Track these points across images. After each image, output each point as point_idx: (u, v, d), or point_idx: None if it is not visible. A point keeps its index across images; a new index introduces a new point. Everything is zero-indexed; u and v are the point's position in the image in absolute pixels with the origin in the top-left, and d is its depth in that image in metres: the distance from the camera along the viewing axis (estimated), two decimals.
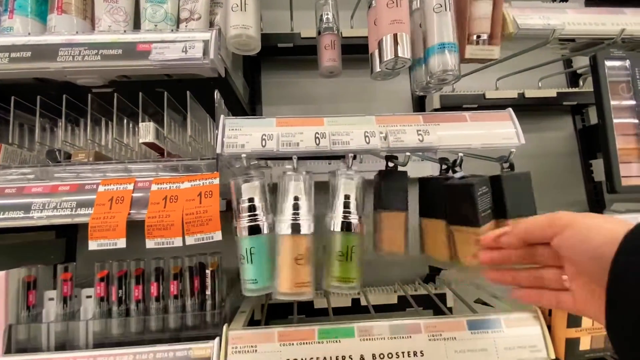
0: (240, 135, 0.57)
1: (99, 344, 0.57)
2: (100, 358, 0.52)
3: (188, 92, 0.67)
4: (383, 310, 0.87)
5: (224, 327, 0.54)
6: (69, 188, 0.56)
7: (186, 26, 0.66)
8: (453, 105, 1.01)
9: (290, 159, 0.57)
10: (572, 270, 0.36)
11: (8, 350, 0.55)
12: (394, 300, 0.89)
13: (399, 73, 0.65)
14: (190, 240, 0.54)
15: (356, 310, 0.86)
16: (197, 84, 0.68)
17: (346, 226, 0.53)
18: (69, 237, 0.95)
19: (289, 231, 0.52)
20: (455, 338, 0.55)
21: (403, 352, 0.54)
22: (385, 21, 0.60)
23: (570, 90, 1.06)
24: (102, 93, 0.72)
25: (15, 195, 0.55)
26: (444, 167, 0.62)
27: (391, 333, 0.55)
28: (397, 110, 1.13)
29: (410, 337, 0.55)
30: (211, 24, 0.69)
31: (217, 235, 0.54)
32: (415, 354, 0.54)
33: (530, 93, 1.03)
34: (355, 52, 0.91)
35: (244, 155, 0.55)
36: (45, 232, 0.94)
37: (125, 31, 0.64)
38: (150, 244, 0.54)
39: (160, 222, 0.54)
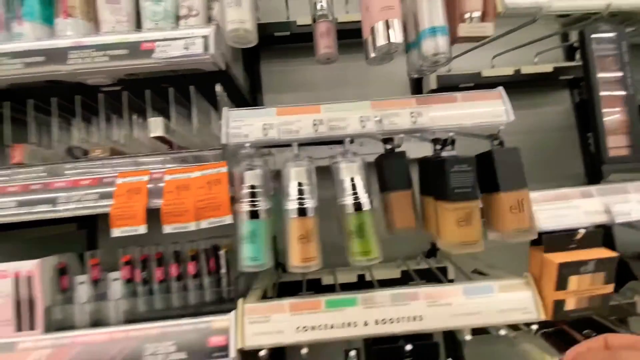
0: (244, 125, 0.61)
1: (128, 321, 0.63)
2: (133, 332, 0.59)
3: (192, 88, 0.70)
4: (387, 284, 0.91)
5: (240, 301, 0.60)
6: (89, 182, 0.61)
7: (186, 23, 0.69)
8: (450, 85, 1.03)
9: (290, 145, 0.61)
10: None
11: (47, 330, 0.61)
12: (397, 275, 0.94)
13: (392, 58, 0.68)
14: (203, 225, 0.59)
15: (361, 285, 0.92)
16: (200, 77, 0.71)
17: (357, 206, 0.57)
18: (90, 228, 1.01)
19: (296, 214, 0.57)
20: (451, 304, 0.60)
21: (403, 317, 0.59)
22: (376, 7, 0.63)
23: (567, 64, 1.06)
24: (110, 91, 0.76)
25: (41, 190, 0.60)
26: (438, 146, 0.65)
27: (392, 301, 0.60)
28: (395, 93, 1.15)
29: (410, 304, 0.60)
30: (209, 19, 0.72)
31: (228, 219, 0.59)
32: (414, 318, 0.59)
33: (526, 69, 1.04)
34: (351, 37, 0.93)
35: (247, 144, 0.59)
36: (67, 225, 1.01)
37: (128, 31, 0.67)
38: (167, 229, 0.59)
39: (175, 209, 0.58)
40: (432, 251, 1.00)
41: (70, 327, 0.63)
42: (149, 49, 0.62)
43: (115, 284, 0.65)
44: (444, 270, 0.93)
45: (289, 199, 0.58)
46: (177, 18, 0.70)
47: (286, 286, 0.87)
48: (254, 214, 0.58)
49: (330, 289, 0.91)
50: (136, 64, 0.62)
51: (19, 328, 0.60)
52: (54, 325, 0.62)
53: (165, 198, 0.59)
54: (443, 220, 0.58)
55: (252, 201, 0.58)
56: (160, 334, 0.58)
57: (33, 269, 0.61)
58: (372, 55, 0.67)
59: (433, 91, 1.05)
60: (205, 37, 0.63)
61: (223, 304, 0.63)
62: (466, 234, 0.57)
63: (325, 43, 0.85)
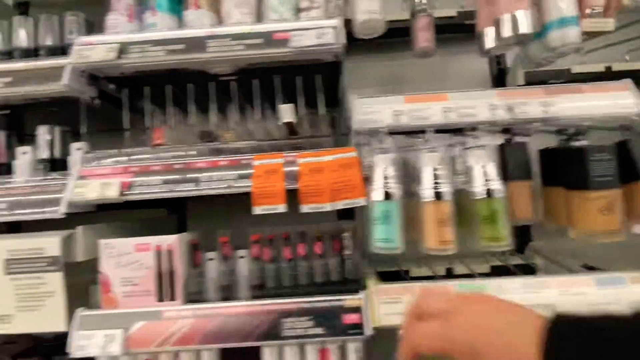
0: (374, 112, 0.63)
1: (256, 297, 0.66)
2: (269, 306, 0.61)
3: (319, 77, 0.73)
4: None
5: (371, 281, 0.62)
6: (227, 163, 0.65)
7: (307, 15, 0.72)
8: (537, 81, 1.02)
9: (419, 132, 0.63)
10: None
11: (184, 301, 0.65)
12: (486, 269, 0.94)
13: (511, 48, 0.69)
14: (339, 205, 0.61)
15: (450, 277, 0.92)
16: (309, 68, 0.74)
17: (489, 192, 0.58)
18: (180, 214, 1.06)
19: (433, 197, 0.58)
20: (585, 293, 0.60)
21: (535, 305, 0.59)
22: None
23: None
24: (224, 80, 0.79)
25: (183, 170, 0.64)
26: (564, 137, 0.65)
27: (523, 288, 0.61)
28: (476, 87, 1.15)
29: (541, 292, 0.60)
30: (328, 12, 0.74)
31: (362, 201, 0.61)
32: (546, 306, 0.59)
33: (617, 66, 1.02)
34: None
35: (382, 129, 0.61)
36: (159, 210, 1.06)
37: (261, 21, 0.71)
38: (304, 209, 0.61)
39: (312, 189, 0.61)
40: (521, 247, 0.99)
41: (203, 300, 0.66)
42: (282, 38, 0.66)
43: (242, 262, 0.68)
44: (532, 267, 0.92)
45: (424, 184, 0.59)
46: (298, 10, 0.74)
47: (384, 275, 0.89)
48: (387, 195, 0.60)
49: (420, 280, 0.92)
50: (271, 52, 0.65)
51: (160, 298, 0.64)
52: (188, 298, 0.65)
53: (301, 180, 0.62)
54: (582, 210, 0.58)
55: (386, 183, 0.60)
56: (295, 309, 0.61)
57: (173, 242, 0.65)
58: (492, 45, 0.68)
59: (520, 87, 1.05)
60: (334, 28, 0.65)
61: (346, 284, 0.65)
62: (608, 223, 0.57)
63: (425, 37, 0.87)
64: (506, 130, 0.68)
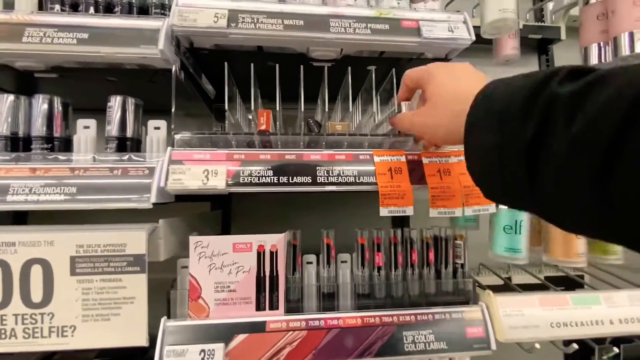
0: None
1: (361, 306, 0.60)
2: (386, 317, 0.56)
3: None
4: (531, 288, 0.94)
5: (489, 293, 0.59)
6: (344, 157, 0.58)
7: (425, 6, 0.68)
8: None
9: None
10: None
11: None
12: (537, 280, 0.96)
13: None
14: (468, 212, 0.57)
15: (509, 288, 0.92)
16: (405, 63, 0.70)
17: None
18: (225, 209, 0.96)
19: None
20: None
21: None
22: (628, 17, 0.65)
23: None
24: (315, 68, 0.72)
25: (296, 160, 0.57)
26: None
27: (629, 301, 0.62)
28: None
29: None
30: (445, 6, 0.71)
31: (492, 208, 0.58)
32: None
33: None
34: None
35: None
36: (202, 203, 0.95)
37: (392, 7, 0.65)
38: (433, 213, 0.57)
39: (442, 192, 0.57)
40: None
41: (301, 308, 0.59)
42: (410, 27, 0.61)
43: (344, 267, 0.62)
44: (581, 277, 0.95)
45: None
46: (412, 1, 0.69)
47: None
48: None
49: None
50: (400, 40, 0.60)
51: (259, 307, 0.56)
52: (287, 306, 0.58)
53: (430, 181, 0.57)
54: None
55: None
56: (415, 321, 0.56)
57: (278, 242, 0.57)
58: (595, 62, 0.69)
59: None
60: (465, 22, 0.62)
61: (460, 295, 0.62)
62: None
63: (512, 44, 0.87)
64: None
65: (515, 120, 0.31)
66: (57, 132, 0.58)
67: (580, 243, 0.57)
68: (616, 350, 0.60)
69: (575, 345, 0.60)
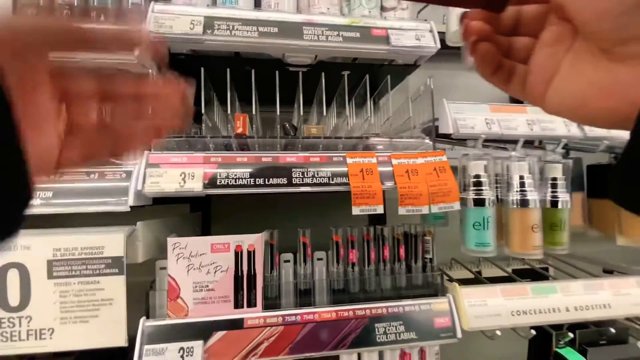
0: (466, 118, 0.65)
1: (336, 301, 0.63)
2: (359, 311, 0.59)
3: (388, 77, 0.73)
4: (500, 281, 0.99)
5: (455, 285, 0.63)
6: (319, 159, 0.61)
7: (394, 14, 0.71)
8: None
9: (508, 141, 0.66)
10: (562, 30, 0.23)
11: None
12: (504, 273, 1.01)
13: None
14: (434, 209, 0.61)
15: (478, 281, 0.97)
16: (374, 67, 0.73)
17: (553, 203, 0.63)
18: (204, 210, 0.97)
19: (520, 205, 0.61)
20: (630, 293, 0.68)
21: (595, 305, 0.66)
22: None
23: None
24: (291, 72, 0.75)
25: (272, 162, 0.59)
26: (613, 155, 0.74)
27: (584, 289, 0.67)
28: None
29: (598, 293, 0.67)
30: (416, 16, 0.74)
31: (457, 205, 0.62)
32: (604, 306, 0.66)
33: None
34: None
35: (482, 136, 0.63)
36: (182, 205, 0.95)
37: (363, 16, 0.68)
38: (402, 211, 0.60)
39: (410, 192, 0.60)
40: None
41: (279, 305, 0.61)
42: (380, 35, 0.64)
43: (320, 264, 0.64)
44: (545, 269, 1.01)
45: (515, 191, 0.63)
46: (382, 9, 0.72)
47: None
48: (482, 202, 0.62)
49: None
50: (370, 48, 0.63)
51: (237, 305, 0.57)
52: (265, 303, 0.60)
53: (398, 181, 0.61)
54: (633, 219, 0.66)
55: (480, 189, 0.62)
56: (386, 314, 0.59)
57: (255, 242, 0.59)
58: None
59: None
60: (431, 31, 0.66)
61: (430, 288, 0.66)
62: None
63: None
64: (565, 146, 0.75)
65: None
66: None
67: (536, 237, 0.61)
68: (571, 335, 0.65)
69: (533, 332, 0.65)
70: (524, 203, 0.62)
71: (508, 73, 0.28)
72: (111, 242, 0.52)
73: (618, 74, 0.20)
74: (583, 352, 0.66)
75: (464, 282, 0.90)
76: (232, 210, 1.01)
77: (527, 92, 0.26)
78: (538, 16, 0.26)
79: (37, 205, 0.52)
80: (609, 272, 0.87)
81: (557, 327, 0.68)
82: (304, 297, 0.62)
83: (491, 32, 0.27)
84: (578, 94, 0.22)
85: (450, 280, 0.73)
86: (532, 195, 0.62)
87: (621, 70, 0.20)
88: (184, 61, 0.68)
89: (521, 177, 0.63)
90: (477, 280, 0.88)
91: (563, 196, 0.65)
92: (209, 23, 0.58)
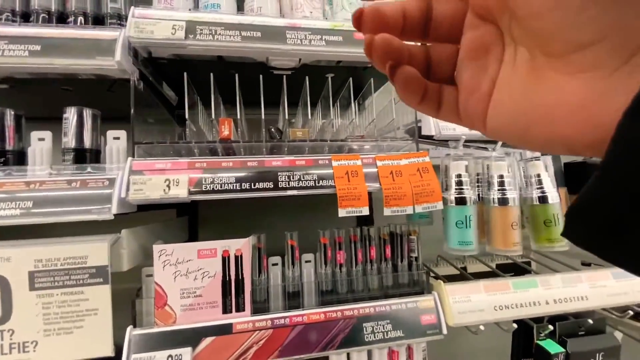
0: None
1: (325, 302, 0.63)
2: (347, 311, 0.60)
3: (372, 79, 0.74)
4: (485, 276, 1.02)
5: (440, 282, 0.64)
6: (304, 162, 0.61)
7: None
8: None
9: (488, 142, 0.68)
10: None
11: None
12: (488, 268, 1.04)
13: None
14: (418, 209, 0.62)
15: (463, 277, 1.00)
16: (361, 71, 0.75)
17: (543, 199, 0.66)
18: (191, 215, 0.96)
19: (500, 203, 0.63)
20: (606, 285, 0.71)
21: (573, 297, 0.68)
22: None
23: None
24: (276, 75, 0.75)
25: (258, 167, 0.59)
26: None
27: (563, 283, 0.69)
28: None
29: (577, 286, 0.70)
30: None
31: (440, 205, 0.63)
32: (582, 298, 0.69)
33: None
34: None
35: (463, 137, 0.65)
36: (168, 211, 0.94)
37: (344, 19, 0.69)
38: (387, 211, 0.61)
39: (395, 193, 0.61)
40: None
41: (267, 308, 0.62)
42: (362, 38, 0.65)
43: (308, 266, 0.65)
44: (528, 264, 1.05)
45: (495, 189, 0.64)
46: None
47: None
48: (464, 200, 0.63)
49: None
50: (352, 52, 0.64)
51: (226, 310, 0.58)
52: (254, 307, 0.60)
53: (383, 182, 0.62)
54: None
55: (461, 189, 0.64)
56: (374, 313, 0.60)
57: (242, 247, 0.59)
58: None
59: None
60: None
61: (416, 286, 0.67)
62: None
63: None
64: None
65: None
66: (10, 145, 0.57)
67: (515, 234, 0.63)
68: (551, 327, 0.68)
69: (515, 325, 0.67)
70: (503, 201, 0.64)
71: (437, 98, 0.22)
72: (95, 251, 0.52)
73: (570, 90, 0.15)
74: (563, 343, 0.68)
75: (450, 278, 0.93)
76: (219, 214, 1.01)
77: (462, 117, 0.21)
78: (453, 14, 0.20)
79: (17, 216, 0.50)
80: (586, 264, 0.91)
81: (538, 320, 0.70)
82: (293, 299, 0.63)
83: (405, 49, 0.21)
84: (520, 117, 0.17)
85: (437, 277, 0.75)
86: (512, 194, 0.64)
87: (573, 85, 0.15)
88: (167, 66, 0.67)
89: (500, 176, 0.65)
90: (463, 276, 0.91)
91: (551, 191, 0.67)
92: (191, 27, 0.58)
